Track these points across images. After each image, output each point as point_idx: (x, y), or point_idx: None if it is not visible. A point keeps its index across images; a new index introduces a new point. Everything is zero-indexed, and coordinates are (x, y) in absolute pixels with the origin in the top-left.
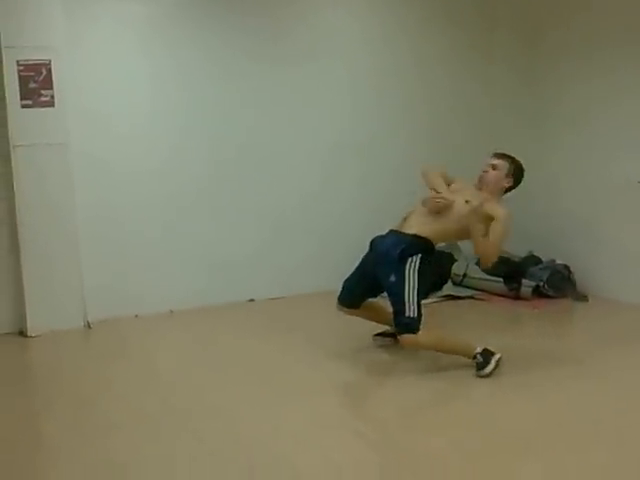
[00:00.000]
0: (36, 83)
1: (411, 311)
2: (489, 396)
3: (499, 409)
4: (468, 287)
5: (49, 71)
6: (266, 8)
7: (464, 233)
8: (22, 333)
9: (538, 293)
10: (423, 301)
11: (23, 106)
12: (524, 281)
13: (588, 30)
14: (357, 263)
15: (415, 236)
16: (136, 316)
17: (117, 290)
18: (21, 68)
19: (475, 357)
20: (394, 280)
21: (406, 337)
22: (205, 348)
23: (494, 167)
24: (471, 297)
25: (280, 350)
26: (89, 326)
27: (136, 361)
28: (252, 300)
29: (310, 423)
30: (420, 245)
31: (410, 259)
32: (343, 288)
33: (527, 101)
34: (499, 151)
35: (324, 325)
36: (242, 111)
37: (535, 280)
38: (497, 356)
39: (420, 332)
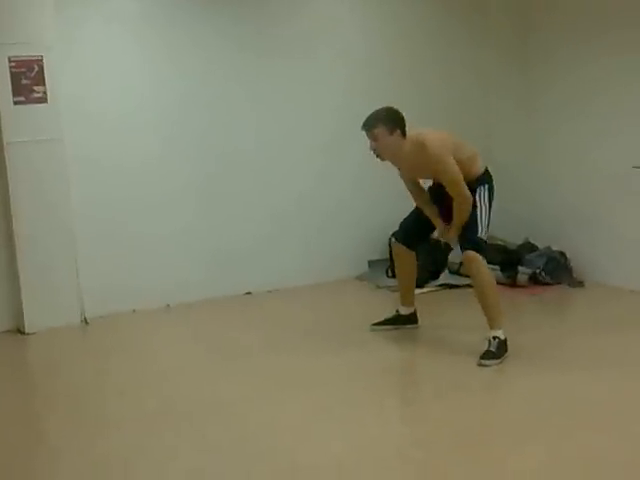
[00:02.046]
0: (28, 79)
1: (483, 233)
2: (488, 384)
3: (498, 396)
4: (465, 276)
5: (41, 67)
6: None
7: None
8: (20, 330)
9: (535, 280)
10: (419, 290)
11: (15, 102)
12: (520, 268)
13: (582, 15)
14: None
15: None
16: (134, 311)
17: (114, 286)
18: (13, 64)
19: (495, 339)
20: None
21: (472, 253)
22: (203, 342)
23: (374, 139)
24: (468, 285)
25: (277, 342)
26: (86, 322)
27: (134, 356)
28: (249, 293)
29: (310, 416)
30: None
31: (479, 189)
32: (400, 226)
33: (521, 87)
34: (362, 124)
35: (322, 317)
36: (239, 104)
37: (531, 267)
38: (506, 355)
39: (483, 259)
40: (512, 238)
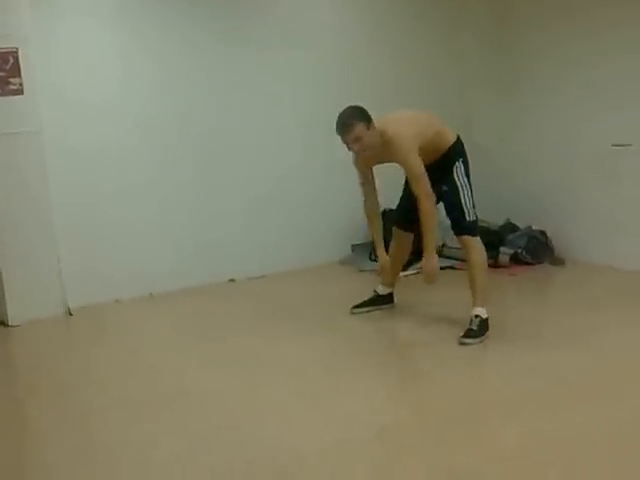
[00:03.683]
0: (3, 71)
1: (470, 215)
2: (470, 362)
3: (480, 375)
4: (447, 257)
5: (16, 59)
6: None
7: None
8: (3, 323)
9: (516, 260)
10: (402, 273)
11: None
12: (502, 249)
13: None
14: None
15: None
16: (117, 301)
17: (96, 275)
18: None
19: (477, 317)
20: (447, 189)
21: (467, 237)
22: (187, 330)
23: (357, 140)
24: (451, 267)
25: (262, 328)
26: (70, 313)
27: (118, 346)
28: (233, 280)
29: (294, 400)
30: (454, 151)
31: (455, 169)
32: (396, 211)
33: (498, 69)
34: (338, 129)
35: (305, 302)
36: (216, 92)
37: (513, 247)
38: (487, 334)
39: (477, 239)
40: (494, 219)
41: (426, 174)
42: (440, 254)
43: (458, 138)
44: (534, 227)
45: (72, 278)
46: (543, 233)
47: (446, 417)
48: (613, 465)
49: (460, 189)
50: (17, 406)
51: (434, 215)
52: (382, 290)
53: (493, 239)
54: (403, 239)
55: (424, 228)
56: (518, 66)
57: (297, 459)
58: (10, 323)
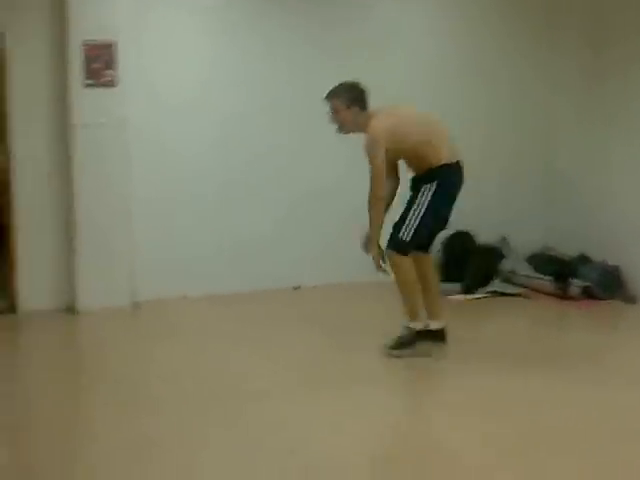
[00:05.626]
0: (100, 63)
1: (406, 234)
2: (527, 389)
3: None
4: (516, 284)
5: (113, 51)
6: None
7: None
8: (71, 309)
9: (587, 293)
10: (469, 296)
11: (86, 85)
12: (573, 280)
13: None
14: None
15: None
16: (184, 297)
17: (167, 270)
18: (86, 48)
19: (407, 328)
20: (408, 199)
21: (391, 252)
22: (248, 333)
23: (334, 112)
24: (518, 294)
25: (322, 338)
26: (137, 305)
27: (181, 342)
28: (298, 287)
29: (344, 412)
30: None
31: (423, 188)
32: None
33: (587, 98)
34: (325, 95)
35: (367, 315)
36: (297, 97)
37: (584, 280)
38: (414, 347)
39: (405, 259)
40: (567, 250)
41: (384, 173)
42: (509, 281)
43: (453, 163)
44: (609, 262)
45: (143, 270)
46: (617, 268)
47: (506, 445)
48: None
49: (414, 207)
50: (77, 393)
51: (376, 205)
52: (435, 324)
53: (564, 269)
54: (424, 263)
55: (370, 210)
56: (607, 98)
57: (342, 469)
58: (79, 310)
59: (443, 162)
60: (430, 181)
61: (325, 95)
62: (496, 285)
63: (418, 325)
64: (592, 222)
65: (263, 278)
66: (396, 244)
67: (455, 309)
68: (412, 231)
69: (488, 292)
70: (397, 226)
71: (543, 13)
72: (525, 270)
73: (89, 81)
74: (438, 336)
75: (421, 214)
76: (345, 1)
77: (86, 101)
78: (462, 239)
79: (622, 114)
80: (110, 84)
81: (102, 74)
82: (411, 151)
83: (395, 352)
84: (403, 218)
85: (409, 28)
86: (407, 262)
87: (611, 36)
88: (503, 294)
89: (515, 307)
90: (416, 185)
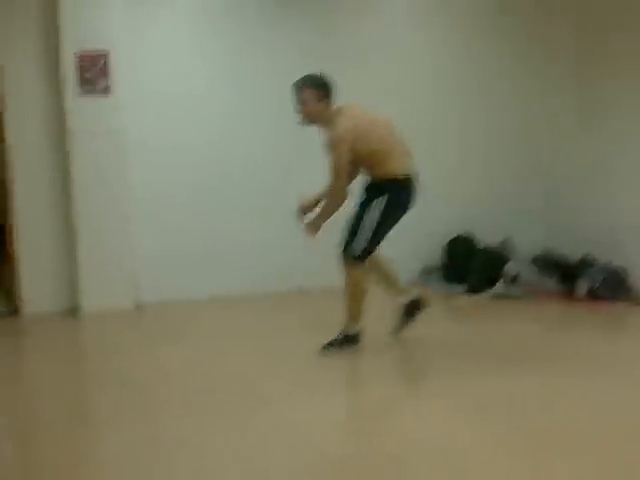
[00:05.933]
0: (93, 72)
1: (360, 244)
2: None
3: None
4: (521, 286)
5: (106, 61)
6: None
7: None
8: (74, 310)
9: (592, 295)
10: (474, 297)
11: (80, 94)
12: (578, 282)
13: None
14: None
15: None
16: (186, 300)
17: (169, 272)
18: (79, 58)
19: (345, 333)
20: (358, 209)
21: (346, 260)
22: (251, 335)
23: (302, 102)
24: (523, 297)
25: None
26: (140, 307)
27: (183, 344)
28: (301, 290)
29: (352, 414)
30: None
31: (376, 200)
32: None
33: (588, 105)
34: (294, 84)
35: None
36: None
37: (590, 282)
38: (351, 351)
39: (360, 268)
40: (572, 252)
41: (346, 172)
42: (513, 282)
43: (407, 178)
44: (614, 263)
45: (146, 273)
46: (623, 270)
47: (517, 445)
48: None
49: (365, 217)
50: (82, 395)
51: (339, 196)
52: (404, 298)
53: (569, 271)
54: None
55: (327, 197)
56: (608, 104)
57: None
58: (82, 311)
59: (397, 175)
60: (383, 193)
61: (296, 83)
62: (500, 287)
63: (353, 330)
64: (598, 224)
65: (266, 280)
66: (352, 254)
67: (461, 312)
68: (367, 243)
69: (493, 294)
70: (351, 235)
71: (537, 19)
72: (529, 272)
73: (83, 90)
74: (415, 305)
75: (373, 227)
76: (341, 10)
77: (82, 109)
78: (464, 242)
79: (616, 118)
80: (105, 92)
81: (96, 83)
82: (369, 156)
83: (326, 352)
84: (355, 229)
85: (401, 39)
86: (361, 271)
87: (609, 38)
88: (508, 296)
89: (520, 309)
90: (368, 191)
